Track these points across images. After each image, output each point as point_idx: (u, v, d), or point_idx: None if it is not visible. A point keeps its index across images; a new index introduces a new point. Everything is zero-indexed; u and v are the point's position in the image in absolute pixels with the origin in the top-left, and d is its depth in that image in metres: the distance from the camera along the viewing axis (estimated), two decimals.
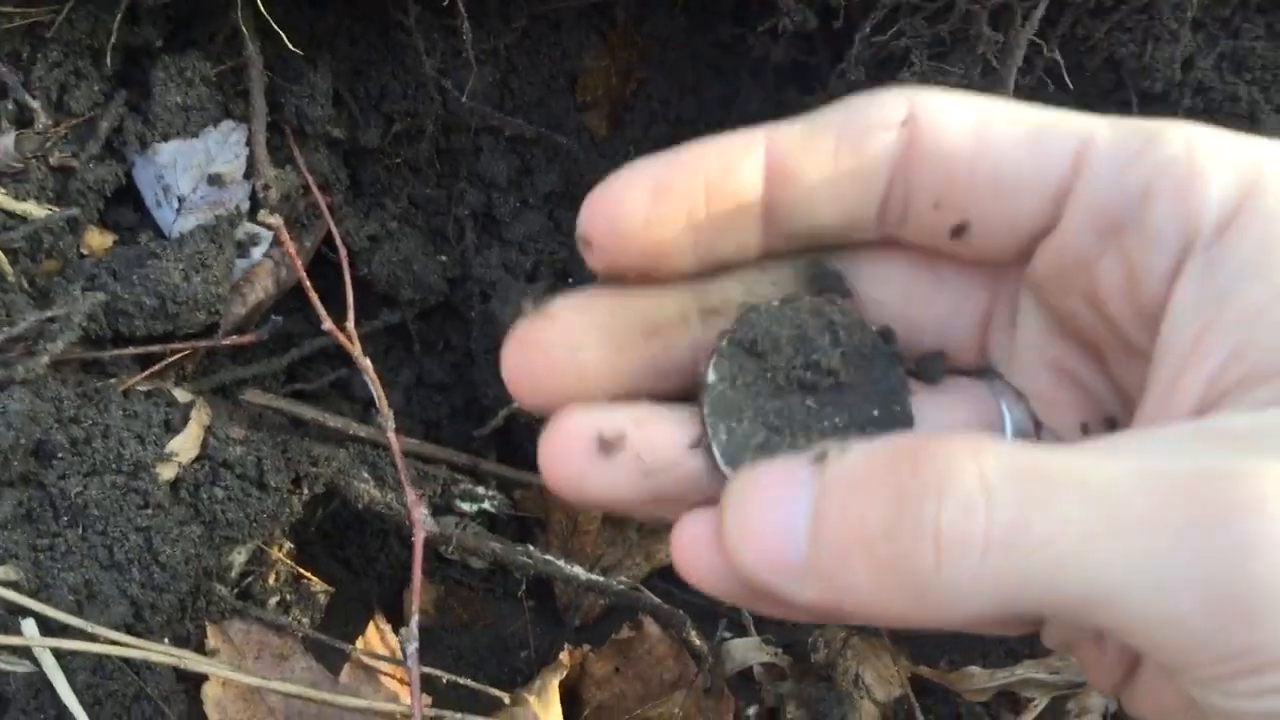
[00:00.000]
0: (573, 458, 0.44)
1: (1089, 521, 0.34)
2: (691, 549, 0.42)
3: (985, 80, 1.01)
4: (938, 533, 0.35)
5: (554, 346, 0.44)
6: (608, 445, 0.44)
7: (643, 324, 0.46)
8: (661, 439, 0.44)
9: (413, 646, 0.95)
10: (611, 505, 0.45)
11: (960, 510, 0.35)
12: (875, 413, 0.47)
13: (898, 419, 0.47)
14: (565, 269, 1.38)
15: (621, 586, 1.17)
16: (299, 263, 1.14)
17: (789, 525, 0.38)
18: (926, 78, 1.02)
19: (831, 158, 0.44)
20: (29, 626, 0.93)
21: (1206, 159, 0.41)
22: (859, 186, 0.44)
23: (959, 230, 0.45)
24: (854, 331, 0.46)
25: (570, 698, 1.17)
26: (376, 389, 1.09)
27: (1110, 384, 0.46)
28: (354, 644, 1.08)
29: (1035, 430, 0.48)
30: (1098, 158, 0.42)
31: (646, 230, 0.43)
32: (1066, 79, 1.03)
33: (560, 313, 0.45)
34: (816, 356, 0.46)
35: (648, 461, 0.44)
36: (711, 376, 0.45)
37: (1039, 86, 1.04)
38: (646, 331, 0.45)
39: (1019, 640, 1.09)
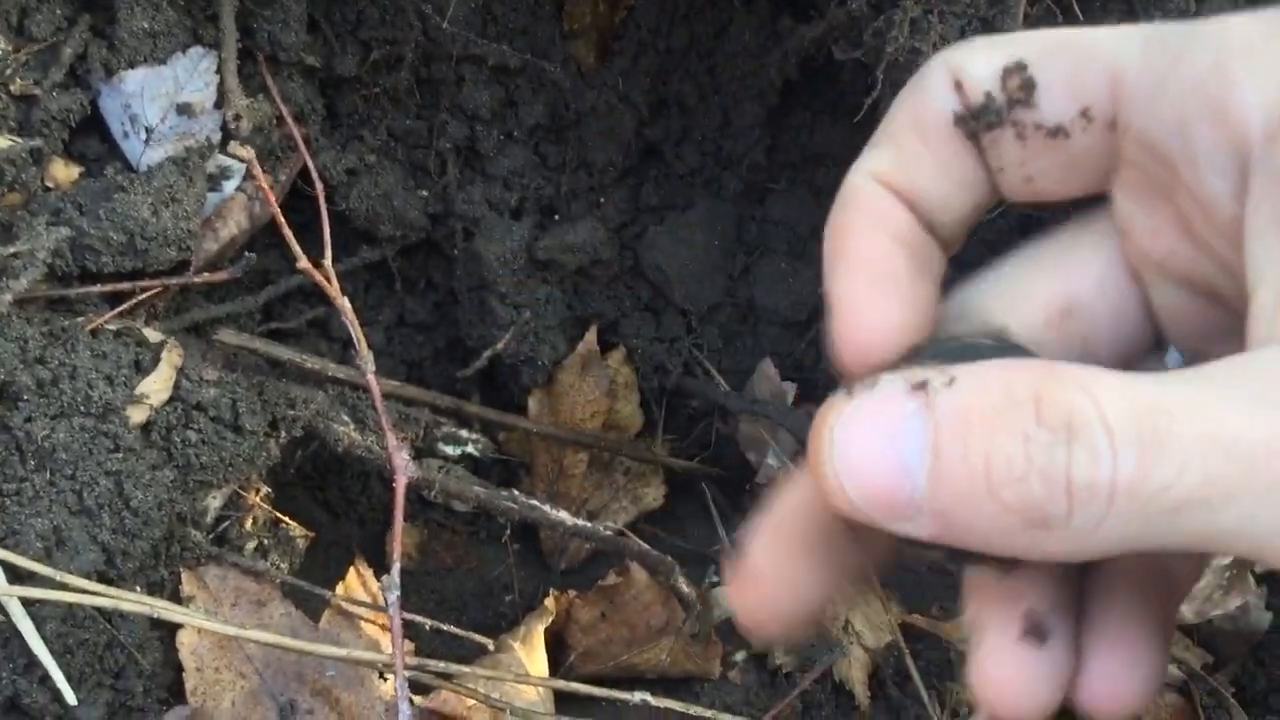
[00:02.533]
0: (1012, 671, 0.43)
1: (1210, 464, 0.33)
2: None
3: (992, 9, 0.96)
4: (1070, 480, 0.34)
5: (772, 590, 0.45)
6: (1039, 631, 0.43)
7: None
8: None
9: (394, 595, 0.92)
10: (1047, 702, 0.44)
11: (1088, 457, 0.34)
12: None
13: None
14: (551, 205, 1.34)
15: (608, 532, 1.15)
16: (273, 197, 1.10)
17: (902, 462, 0.37)
18: (930, 6, 0.97)
19: (917, 150, 0.43)
20: None
21: (1239, 67, 0.38)
22: (956, 165, 0.43)
23: (1028, 182, 0.43)
24: None
25: (555, 643, 1.15)
26: (355, 329, 1.05)
27: (1229, 314, 0.43)
28: (334, 590, 1.05)
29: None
30: (1130, 92, 0.40)
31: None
32: (1076, 8, 0.99)
33: (760, 561, 0.45)
34: None
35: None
36: None
37: (1047, 16, 1.00)
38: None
39: None
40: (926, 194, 0.43)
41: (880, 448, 0.37)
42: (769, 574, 0.44)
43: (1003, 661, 0.42)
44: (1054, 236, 0.46)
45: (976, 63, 0.42)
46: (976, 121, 0.42)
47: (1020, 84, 0.41)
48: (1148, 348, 0.47)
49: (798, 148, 1.33)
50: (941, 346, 0.43)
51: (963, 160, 0.43)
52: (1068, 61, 0.41)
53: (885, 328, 0.42)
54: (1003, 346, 0.43)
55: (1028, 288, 0.45)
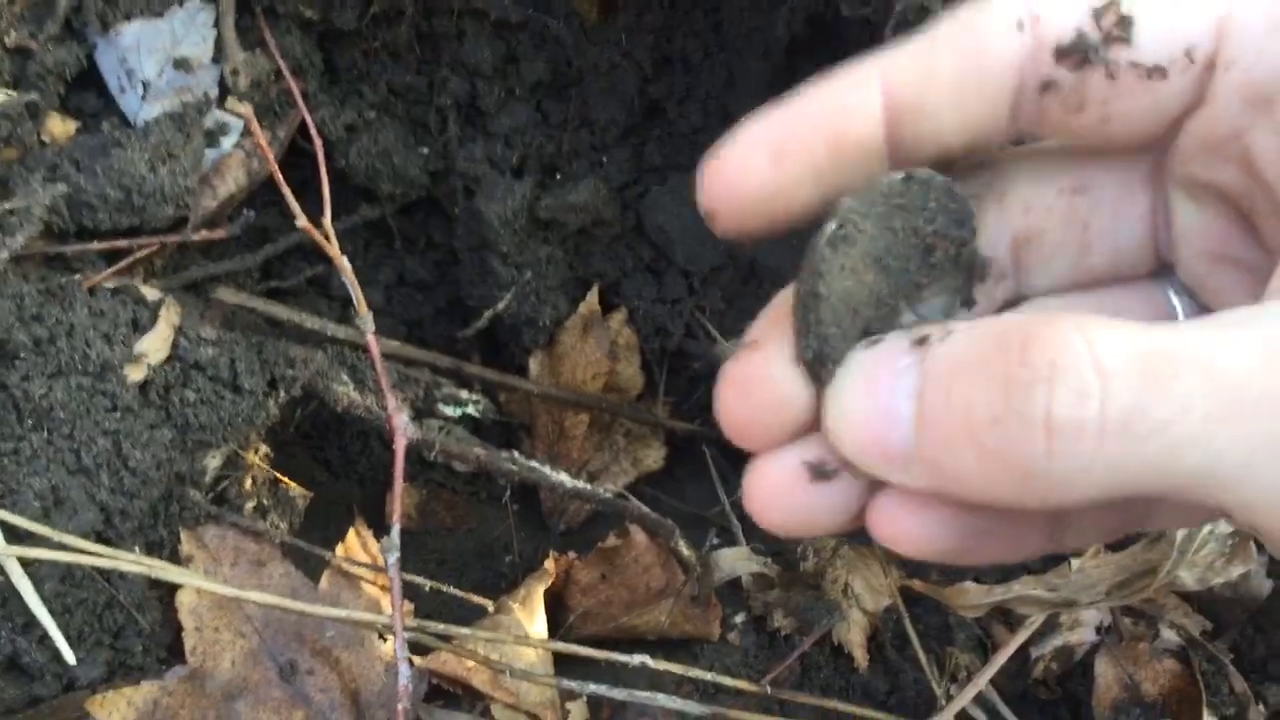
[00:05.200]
0: (783, 493, 0.43)
1: (1212, 404, 0.33)
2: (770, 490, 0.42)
3: None
4: (1049, 420, 0.34)
5: (774, 369, 0.43)
6: (820, 472, 0.42)
7: None
8: None
9: (394, 557, 0.92)
10: (824, 529, 0.43)
11: (1073, 396, 0.34)
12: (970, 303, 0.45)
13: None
14: (552, 164, 1.32)
15: (608, 494, 1.15)
16: (271, 154, 1.08)
17: (891, 412, 0.38)
18: None
19: (953, 80, 0.41)
20: None
21: None
22: (986, 104, 0.42)
23: (1103, 123, 0.42)
24: (950, 213, 0.44)
25: (555, 605, 1.15)
26: (355, 288, 1.04)
27: (1268, 259, 0.43)
28: (334, 550, 1.05)
29: None
30: (1238, 27, 0.40)
31: (771, 195, 0.42)
32: None
33: (766, 335, 0.43)
34: (914, 233, 0.43)
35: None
36: (809, 279, 0.42)
37: None
38: None
39: None
40: (927, 115, 0.42)
41: (872, 399, 0.39)
42: (775, 365, 0.42)
43: (779, 485, 0.42)
44: None
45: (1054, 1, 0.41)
46: (1070, 58, 0.41)
47: (1117, 21, 0.40)
48: (1144, 267, 0.47)
49: None
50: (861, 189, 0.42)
51: (996, 99, 0.42)
52: (1167, 1, 0.41)
53: (751, 184, 0.42)
54: (912, 177, 0.42)
55: (1050, 161, 0.45)
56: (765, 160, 0.42)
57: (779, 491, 0.43)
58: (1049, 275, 0.46)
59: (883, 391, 0.39)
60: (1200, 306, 0.46)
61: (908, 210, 0.43)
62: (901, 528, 0.41)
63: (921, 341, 0.38)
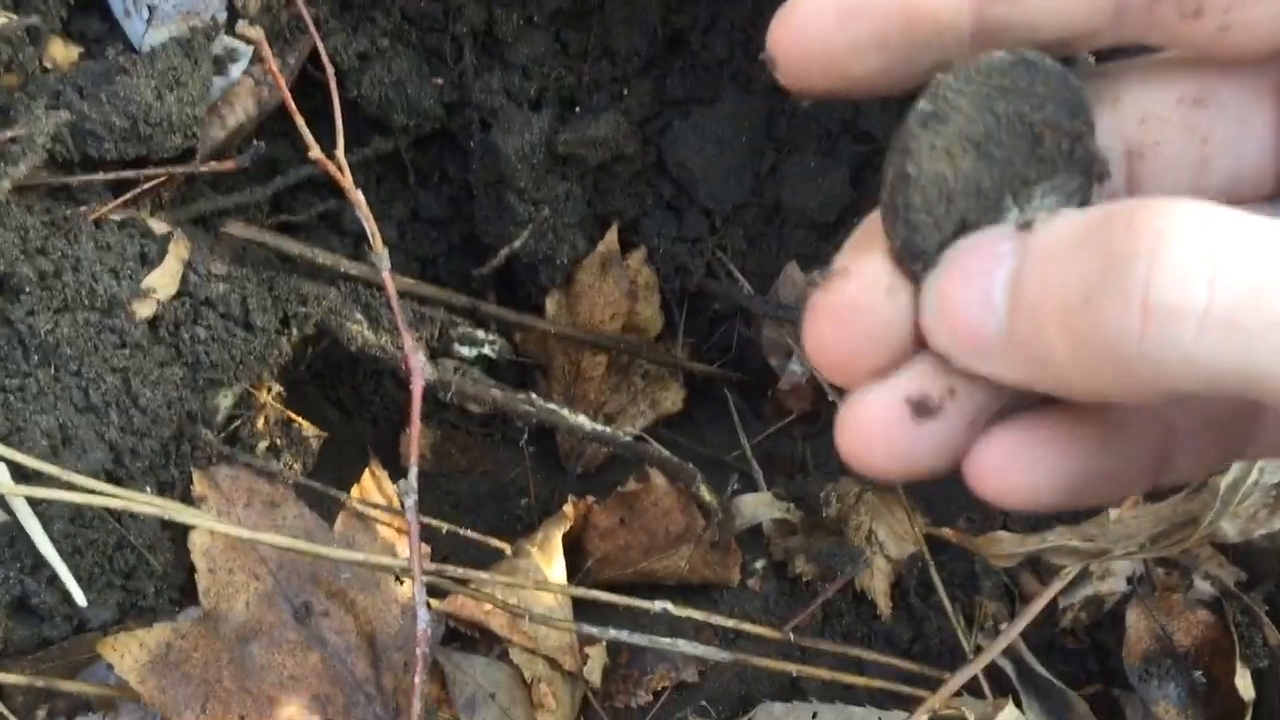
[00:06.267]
0: (884, 432, 0.39)
1: None
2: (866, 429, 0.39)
3: None
4: (1146, 300, 0.31)
5: (868, 299, 0.39)
6: (923, 408, 0.39)
7: None
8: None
9: (411, 500, 0.89)
10: (926, 471, 0.40)
11: (1177, 278, 0.31)
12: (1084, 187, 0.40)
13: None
14: (572, 96, 1.28)
15: (628, 438, 1.12)
16: (282, 82, 1.04)
17: (987, 297, 0.36)
18: None
19: None
20: (0, 472, 0.88)
21: None
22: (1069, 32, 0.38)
23: (1223, 31, 0.38)
24: (1062, 102, 0.40)
25: (573, 549, 1.13)
26: (369, 224, 1.01)
27: None
28: (349, 491, 1.03)
29: None
30: None
31: (834, 56, 0.39)
32: None
33: (855, 263, 0.40)
34: (1020, 120, 0.39)
35: (972, 407, 0.39)
36: (898, 159, 0.39)
37: None
38: None
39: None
40: (1023, 11, 0.39)
41: (969, 285, 0.37)
42: (864, 294, 0.39)
43: (877, 423, 0.39)
44: None
45: None
46: None
47: None
48: (1265, 189, 0.43)
49: None
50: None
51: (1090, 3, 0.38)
52: None
53: (814, 39, 0.39)
54: (1021, 58, 0.39)
55: (1171, 68, 0.42)
56: (832, 16, 0.38)
57: (878, 431, 0.39)
58: (1163, 193, 0.43)
59: (980, 276, 0.36)
60: None
61: (1013, 93, 0.39)
62: (1003, 473, 0.38)
63: (1026, 226, 0.36)
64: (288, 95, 1.03)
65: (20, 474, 0.87)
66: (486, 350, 1.17)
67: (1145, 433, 0.39)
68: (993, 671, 1.02)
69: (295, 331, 1.05)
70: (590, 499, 1.14)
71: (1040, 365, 0.35)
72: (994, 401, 0.39)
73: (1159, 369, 0.32)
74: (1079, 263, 0.33)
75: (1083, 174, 0.40)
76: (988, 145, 0.39)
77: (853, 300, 0.39)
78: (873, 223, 0.41)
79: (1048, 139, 0.39)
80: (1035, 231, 0.36)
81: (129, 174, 1.05)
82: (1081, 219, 0.35)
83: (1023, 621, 0.98)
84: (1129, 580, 1.03)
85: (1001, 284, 0.36)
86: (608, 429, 1.12)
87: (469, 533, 1.04)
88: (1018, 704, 0.99)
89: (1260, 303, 0.30)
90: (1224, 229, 0.31)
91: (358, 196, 0.99)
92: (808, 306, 0.40)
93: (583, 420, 1.12)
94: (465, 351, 1.17)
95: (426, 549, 0.96)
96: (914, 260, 0.39)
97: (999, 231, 0.37)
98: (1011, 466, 0.38)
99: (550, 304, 1.31)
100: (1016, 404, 0.39)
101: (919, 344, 0.39)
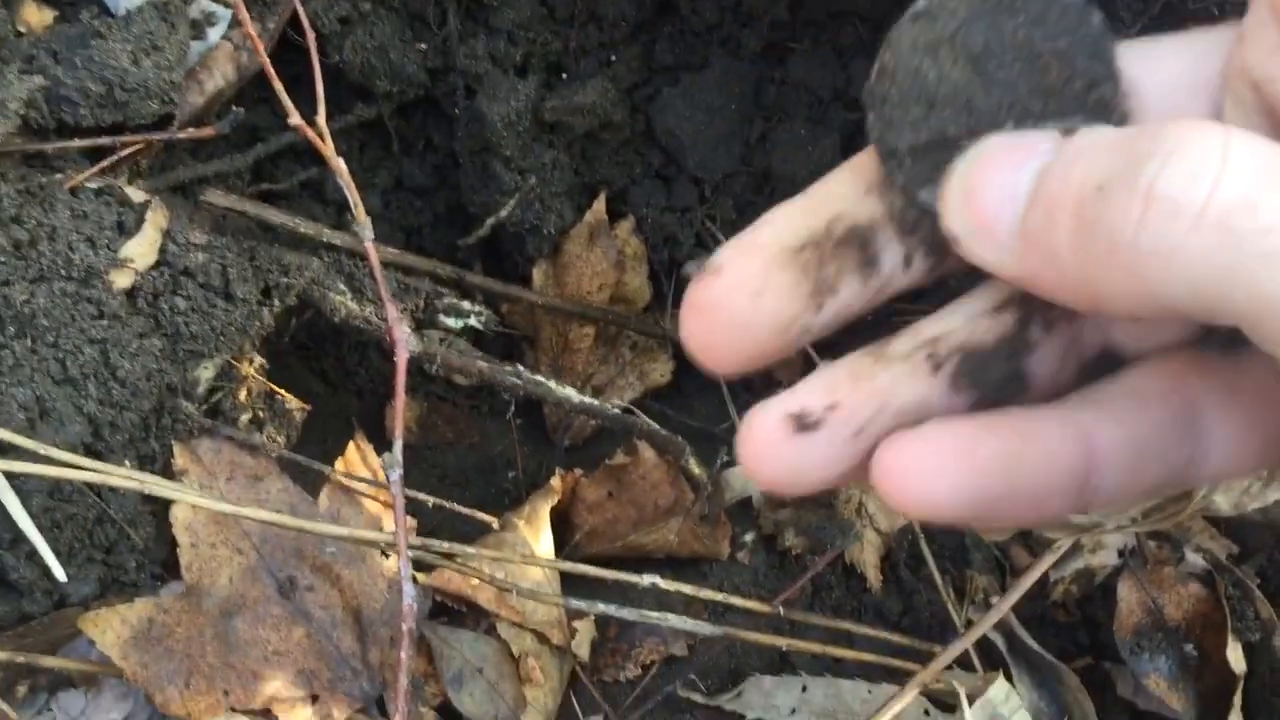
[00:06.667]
0: (770, 447, 0.40)
1: None
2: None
3: None
4: (1150, 190, 0.33)
5: (733, 299, 0.40)
6: (803, 422, 0.40)
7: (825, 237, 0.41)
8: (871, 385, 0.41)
9: (397, 474, 0.88)
10: (814, 484, 0.41)
11: (1184, 174, 0.32)
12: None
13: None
14: (558, 62, 1.26)
15: (615, 410, 1.11)
16: (261, 46, 1.02)
17: (1013, 187, 0.37)
18: None
19: None
20: None
21: None
22: None
23: None
24: (1081, 41, 0.39)
25: (560, 522, 1.12)
26: (352, 193, 0.99)
27: None
28: (333, 464, 1.01)
29: None
30: None
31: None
32: None
33: (730, 262, 0.41)
34: (1027, 45, 0.38)
35: (855, 420, 0.40)
36: (881, 52, 0.38)
37: None
38: (840, 242, 0.41)
39: None
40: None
41: (998, 173, 0.37)
42: (739, 286, 0.40)
43: (765, 439, 0.40)
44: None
45: None
46: None
47: None
48: None
49: (822, 4, 1.24)
50: None
51: None
52: None
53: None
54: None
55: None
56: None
57: (766, 445, 0.40)
58: None
59: (1011, 167, 0.37)
60: None
61: (1024, 16, 0.38)
62: (906, 479, 0.38)
63: (1069, 132, 0.37)
64: (266, 61, 1.00)
65: None
66: (473, 321, 1.15)
67: (1064, 450, 0.39)
68: (983, 645, 1.01)
69: (277, 302, 1.03)
70: (578, 472, 1.13)
71: (1043, 257, 0.36)
72: (884, 414, 0.40)
73: (1149, 261, 0.33)
74: (1104, 159, 0.34)
75: (1102, 122, 0.39)
76: (986, 62, 0.38)
77: (719, 299, 0.40)
78: (765, 223, 0.41)
79: (1054, 71, 0.38)
80: (1075, 135, 0.36)
81: (105, 141, 1.03)
82: (1120, 130, 0.36)
83: (1014, 595, 0.97)
84: (1120, 553, 1.03)
85: (1029, 176, 0.36)
86: (595, 401, 1.11)
87: (455, 506, 1.03)
88: (1008, 677, 0.99)
89: (1255, 208, 0.32)
90: (1244, 144, 0.32)
91: (339, 165, 0.97)
92: (684, 296, 0.41)
93: (570, 392, 1.10)
94: (451, 323, 1.16)
95: (412, 523, 0.95)
96: (887, 159, 0.38)
97: (1041, 133, 0.38)
98: (915, 473, 0.38)
99: (537, 274, 1.29)
100: (916, 416, 0.40)
101: (788, 346, 0.41)
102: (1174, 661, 1.00)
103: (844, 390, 0.40)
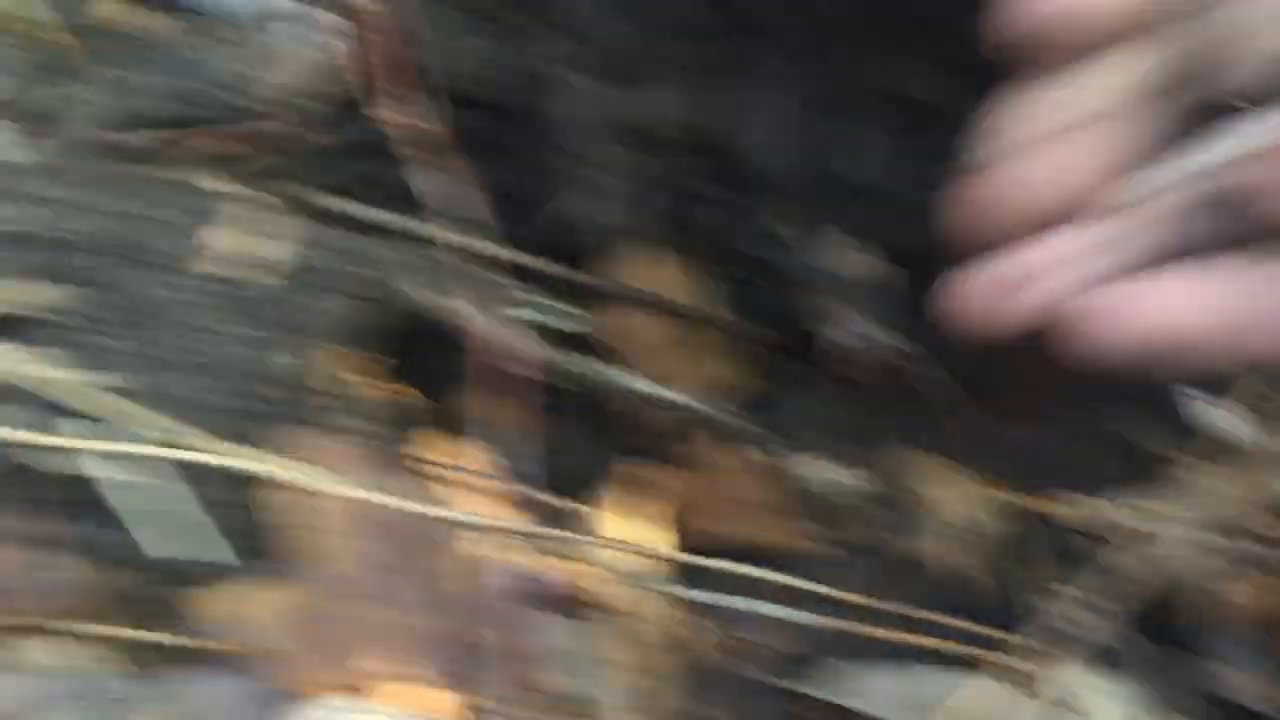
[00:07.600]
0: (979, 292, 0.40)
1: None
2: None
3: None
4: None
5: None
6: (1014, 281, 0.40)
7: None
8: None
9: (496, 460, 0.90)
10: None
11: None
12: None
13: None
14: (625, 60, 1.27)
15: (702, 406, 1.12)
16: (377, 45, 1.03)
17: None
18: None
19: None
20: (68, 427, 0.88)
21: None
22: None
23: None
24: None
25: (654, 516, 1.13)
26: (456, 189, 1.01)
27: None
28: (424, 453, 1.03)
29: None
30: None
31: None
32: None
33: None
34: None
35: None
36: None
37: None
38: None
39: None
40: None
41: None
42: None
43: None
44: None
45: None
46: None
47: None
48: None
49: (891, 8, 1.26)
50: None
51: None
52: None
53: None
54: None
55: None
56: None
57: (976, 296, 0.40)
58: None
59: None
60: None
61: None
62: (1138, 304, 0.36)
63: None
64: (345, 55, 1.02)
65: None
66: (554, 318, 1.17)
67: None
68: (1053, 631, 1.03)
69: (359, 293, 1.05)
70: (670, 466, 1.14)
71: None
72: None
73: None
74: None
75: None
76: None
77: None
78: None
79: None
80: None
81: (180, 133, 1.05)
82: None
83: (1085, 585, 0.99)
84: (1195, 545, 1.04)
85: None
86: (670, 394, 1.13)
87: (556, 498, 1.05)
88: (1084, 664, 1.00)
89: None
90: None
91: (461, 166, 1.00)
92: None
93: (644, 385, 1.12)
94: (524, 315, 1.17)
95: (520, 512, 0.96)
96: None
97: None
98: (1155, 296, 0.36)
99: (612, 271, 1.30)
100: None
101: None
102: (1251, 652, 1.01)
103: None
